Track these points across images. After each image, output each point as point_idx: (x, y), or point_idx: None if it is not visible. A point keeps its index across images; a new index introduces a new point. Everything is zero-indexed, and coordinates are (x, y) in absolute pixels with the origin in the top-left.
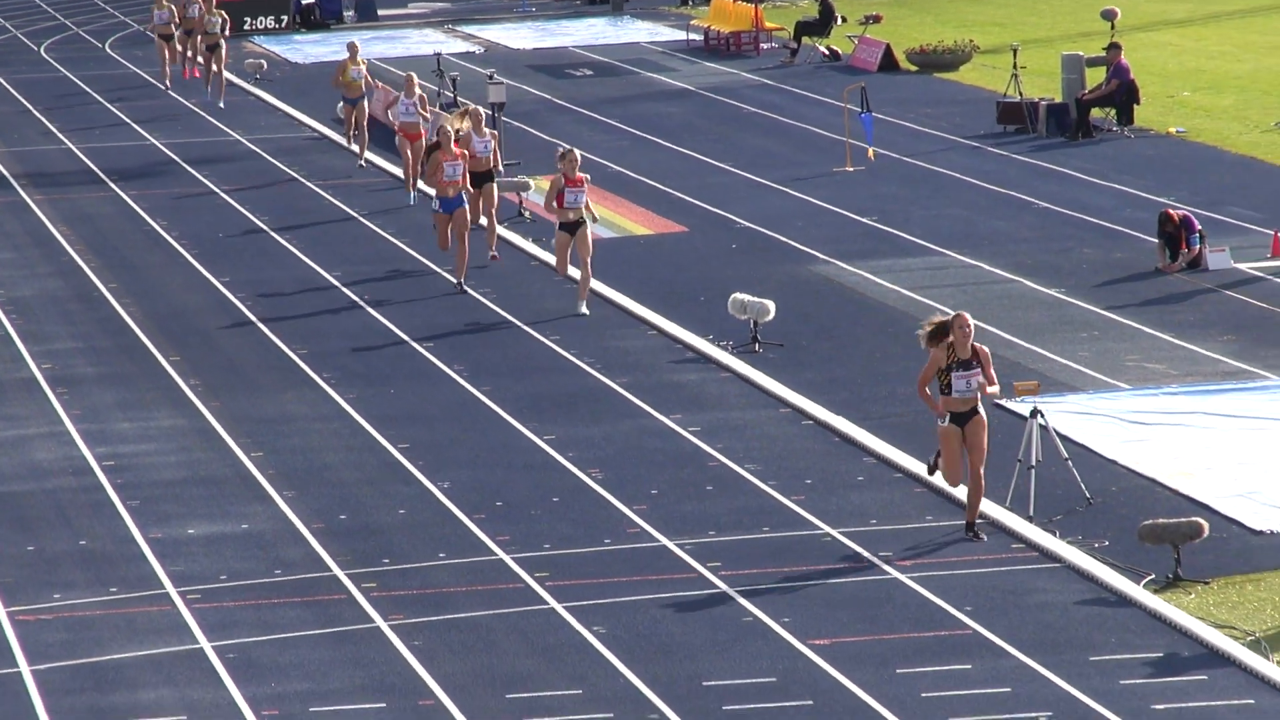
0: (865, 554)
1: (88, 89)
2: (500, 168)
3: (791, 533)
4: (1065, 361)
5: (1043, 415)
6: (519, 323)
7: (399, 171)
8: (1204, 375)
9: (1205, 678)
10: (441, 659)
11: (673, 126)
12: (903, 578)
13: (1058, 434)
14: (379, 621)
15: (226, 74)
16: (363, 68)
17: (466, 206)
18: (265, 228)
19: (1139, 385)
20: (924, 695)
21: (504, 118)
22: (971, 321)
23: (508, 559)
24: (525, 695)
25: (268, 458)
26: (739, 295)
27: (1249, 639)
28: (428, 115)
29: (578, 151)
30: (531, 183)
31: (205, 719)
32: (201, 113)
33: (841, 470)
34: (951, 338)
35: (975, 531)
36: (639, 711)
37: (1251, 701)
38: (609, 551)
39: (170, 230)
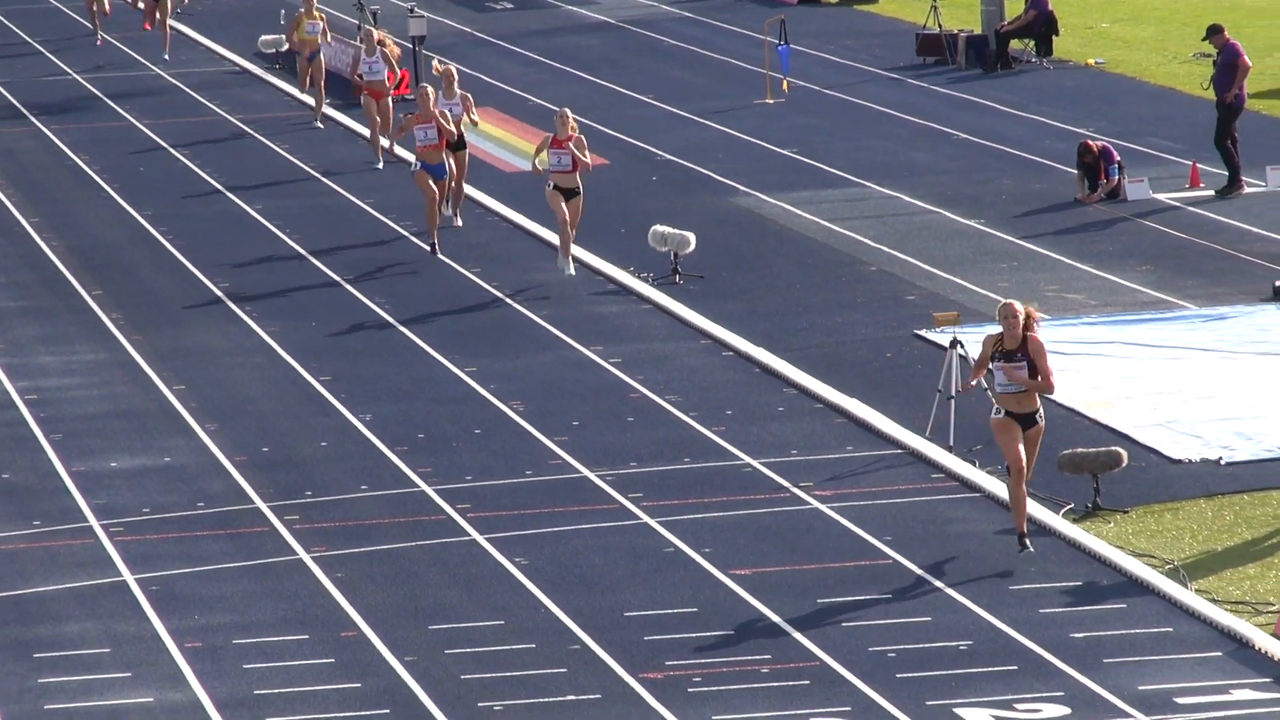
0: (786, 484)
1: (8, 23)
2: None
3: (712, 463)
4: (985, 292)
5: (962, 346)
6: (441, 255)
7: (363, 130)
8: (1122, 305)
9: (1124, 606)
10: (364, 591)
11: (593, 59)
12: (823, 508)
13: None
14: (301, 554)
15: (171, 22)
16: (320, 22)
17: (459, 176)
18: (187, 162)
19: (1058, 315)
20: (844, 625)
21: (424, 51)
22: (1022, 310)
23: (430, 491)
24: (447, 626)
25: (190, 391)
26: (659, 227)
27: (1167, 567)
28: (396, 73)
29: (570, 111)
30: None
31: (128, 651)
32: (122, 46)
33: (762, 401)
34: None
35: (1024, 545)
36: (561, 643)
37: (1170, 630)
38: (530, 483)
39: (91, 165)
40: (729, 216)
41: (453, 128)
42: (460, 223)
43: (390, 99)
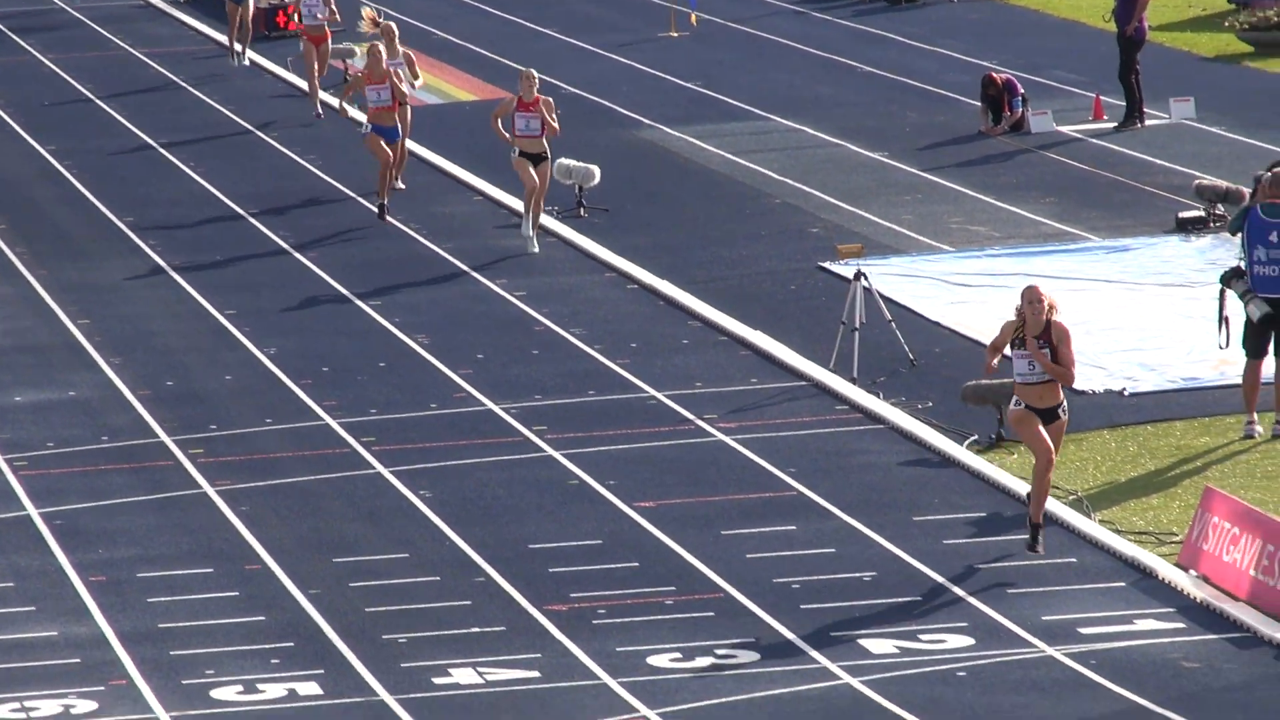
0: (690, 417)
1: None
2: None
3: (617, 396)
4: (888, 224)
5: (866, 277)
6: (346, 189)
7: (292, 77)
8: (1026, 237)
9: (1027, 537)
10: (268, 524)
11: None
12: (727, 440)
13: (881, 296)
14: (206, 487)
15: None
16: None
17: (403, 137)
18: (91, 96)
19: (962, 247)
20: (749, 557)
21: None
22: (1047, 296)
23: (334, 424)
24: (352, 559)
25: (94, 325)
26: (564, 160)
27: (1071, 498)
28: (336, 17)
29: (535, 71)
30: (357, 49)
31: (32, 586)
32: None
33: (666, 334)
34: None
35: (1036, 540)
36: (465, 575)
37: (1074, 560)
38: (435, 416)
39: None
40: (634, 150)
41: (405, 88)
42: (402, 185)
43: (330, 43)
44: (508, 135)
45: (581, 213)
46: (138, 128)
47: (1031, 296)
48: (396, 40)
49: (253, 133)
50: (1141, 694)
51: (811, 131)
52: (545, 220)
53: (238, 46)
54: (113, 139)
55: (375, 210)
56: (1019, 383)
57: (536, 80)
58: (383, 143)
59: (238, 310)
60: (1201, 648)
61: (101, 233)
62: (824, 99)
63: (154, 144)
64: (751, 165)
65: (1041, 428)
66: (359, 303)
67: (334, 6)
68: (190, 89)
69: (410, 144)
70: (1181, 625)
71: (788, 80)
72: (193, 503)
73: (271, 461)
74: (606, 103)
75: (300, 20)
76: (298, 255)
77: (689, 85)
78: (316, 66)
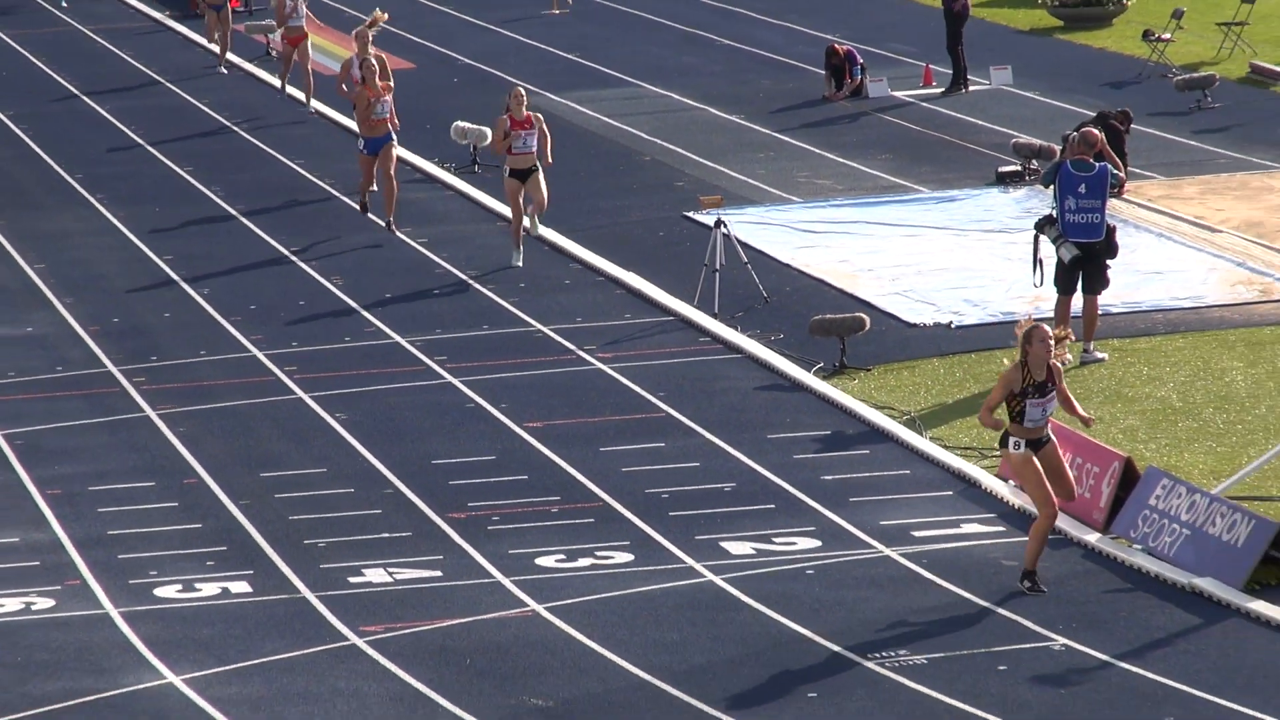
0: (572, 348)
1: None
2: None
3: (508, 330)
4: (745, 178)
5: (725, 225)
6: (268, 148)
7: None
8: (865, 189)
9: (867, 452)
10: (203, 443)
11: None
12: (605, 368)
13: (739, 241)
14: (149, 411)
15: None
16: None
17: (394, 141)
18: (43, 67)
19: (809, 199)
20: (624, 470)
21: None
22: (1051, 335)
23: (260, 355)
24: (277, 474)
25: (49, 269)
26: (460, 123)
27: (905, 418)
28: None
29: (523, 88)
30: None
31: None
32: None
33: (551, 275)
34: (1027, 355)
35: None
36: (376, 486)
37: (907, 472)
38: (349, 348)
39: None
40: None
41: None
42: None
43: (309, 43)
44: (499, 148)
45: (476, 169)
46: (85, 95)
47: (1040, 336)
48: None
49: (191, 102)
50: (967, 589)
51: (677, 97)
52: (445, 175)
53: (218, 49)
54: (63, 105)
55: (358, 207)
56: (1029, 427)
57: (525, 98)
58: (370, 160)
59: (175, 255)
60: (1019, 548)
61: (54, 187)
62: (688, 68)
63: (100, 109)
64: (624, 127)
65: (1044, 473)
66: (281, 249)
67: (307, 9)
68: (130, 60)
69: (324, 108)
70: (1001, 529)
71: (656, 52)
72: (137, 425)
73: (206, 388)
74: (497, 72)
75: (279, 20)
76: (227, 207)
77: (569, 56)
78: (297, 61)
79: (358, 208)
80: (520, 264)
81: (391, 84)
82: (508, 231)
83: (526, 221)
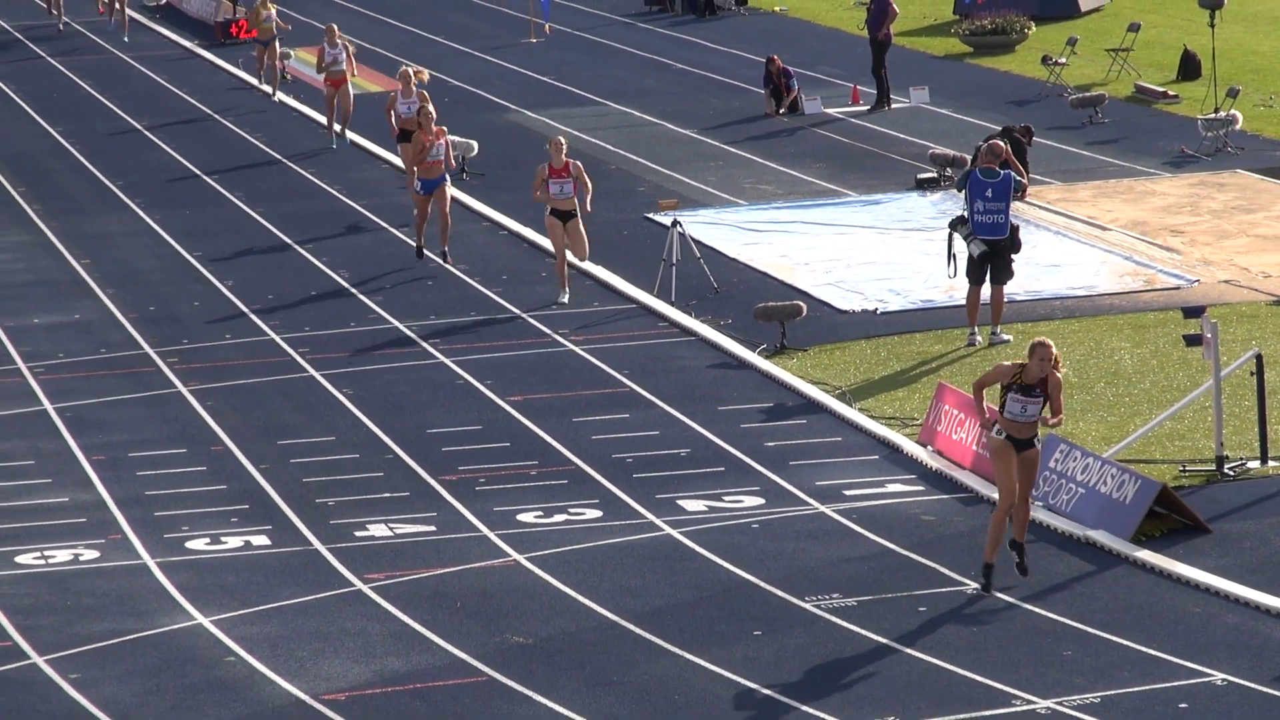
0: (548, 331)
1: None
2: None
3: (492, 316)
4: (698, 184)
5: (681, 224)
6: (281, 158)
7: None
8: (802, 194)
9: (805, 422)
10: (227, 415)
11: (396, 7)
12: (576, 349)
13: (692, 239)
14: (180, 388)
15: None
16: (273, 11)
17: (448, 181)
18: (90, 90)
19: (754, 201)
20: (593, 438)
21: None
22: (1054, 352)
23: (277, 338)
24: (292, 442)
25: (94, 265)
26: (451, 137)
27: (837, 392)
28: (353, 64)
29: (563, 138)
30: (292, 53)
31: (49, 464)
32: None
33: (529, 269)
34: (1027, 363)
35: (1022, 559)
36: (379, 453)
37: (839, 439)
38: (355, 332)
39: (16, 92)
40: (503, 129)
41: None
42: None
43: (350, 85)
44: (539, 193)
45: (465, 177)
46: (124, 113)
47: (1044, 354)
48: (337, 34)
49: (214, 118)
50: (891, 540)
51: (638, 114)
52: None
53: (266, 88)
54: (106, 123)
55: (414, 248)
56: (1008, 419)
57: (565, 145)
58: (426, 197)
59: (203, 253)
60: (936, 505)
61: (98, 194)
62: (648, 89)
63: (138, 125)
64: (593, 139)
65: (1015, 467)
66: (297, 248)
67: (351, 54)
68: (164, 83)
69: (318, 115)
70: (921, 488)
71: (621, 75)
72: (170, 400)
73: (230, 367)
74: (482, 93)
75: (320, 66)
76: (248, 210)
77: (544, 79)
78: (338, 104)
79: (414, 249)
80: (566, 300)
81: (445, 129)
82: (489, 229)
83: (571, 257)
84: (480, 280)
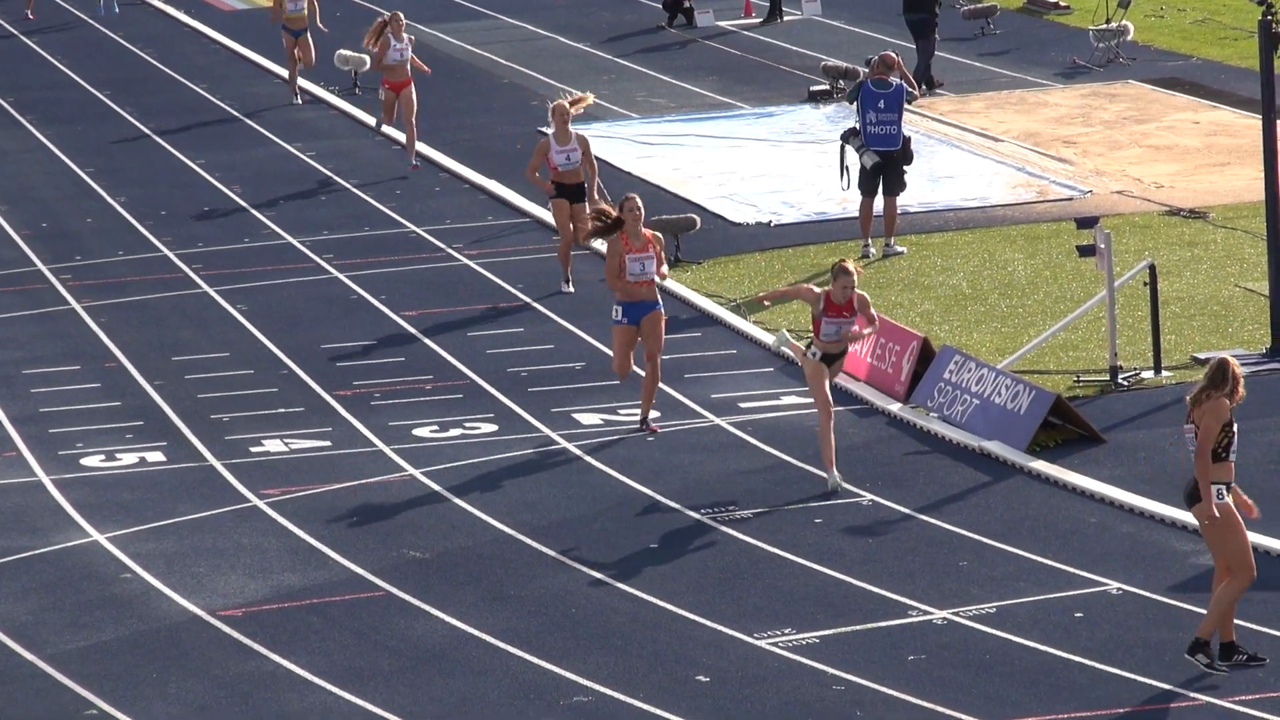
0: (442, 246)
1: None
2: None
3: (386, 230)
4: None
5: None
6: (175, 74)
7: (335, 99)
8: (695, 106)
9: (700, 335)
10: (121, 331)
11: None
12: (471, 264)
13: None
14: (74, 304)
15: None
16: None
17: (662, 311)
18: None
19: (647, 115)
20: (488, 352)
21: None
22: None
23: (170, 255)
24: (186, 358)
25: None
26: (342, 51)
27: (730, 304)
28: (417, 61)
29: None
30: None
31: None
32: None
33: (424, 183)
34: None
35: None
36: (273, 369)
37: (735, 351)
38: (248, 248)
39: None
40: None
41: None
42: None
43: (413, 89)
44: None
45: (356, 91)
46: (15, 30)
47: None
48: (403, 28)
49: (111, 37)
50: (787, 452)
51: (530, 28)
52: (328, 96)
53: (299, 81)
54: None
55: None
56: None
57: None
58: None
59: (96, 168)
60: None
61: None
62: (539, 3)
63: (30, 43)
64: (485, 54)
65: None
66: (189, 162)
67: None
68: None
69: (225, 39)
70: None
71: None
72: (63, 316)
73: (123, 284)
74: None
75: (381, 62)
76: (141, 126)
77: None
78: (400, 111)
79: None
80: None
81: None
82: (381, 143)
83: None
84: (373, 194)
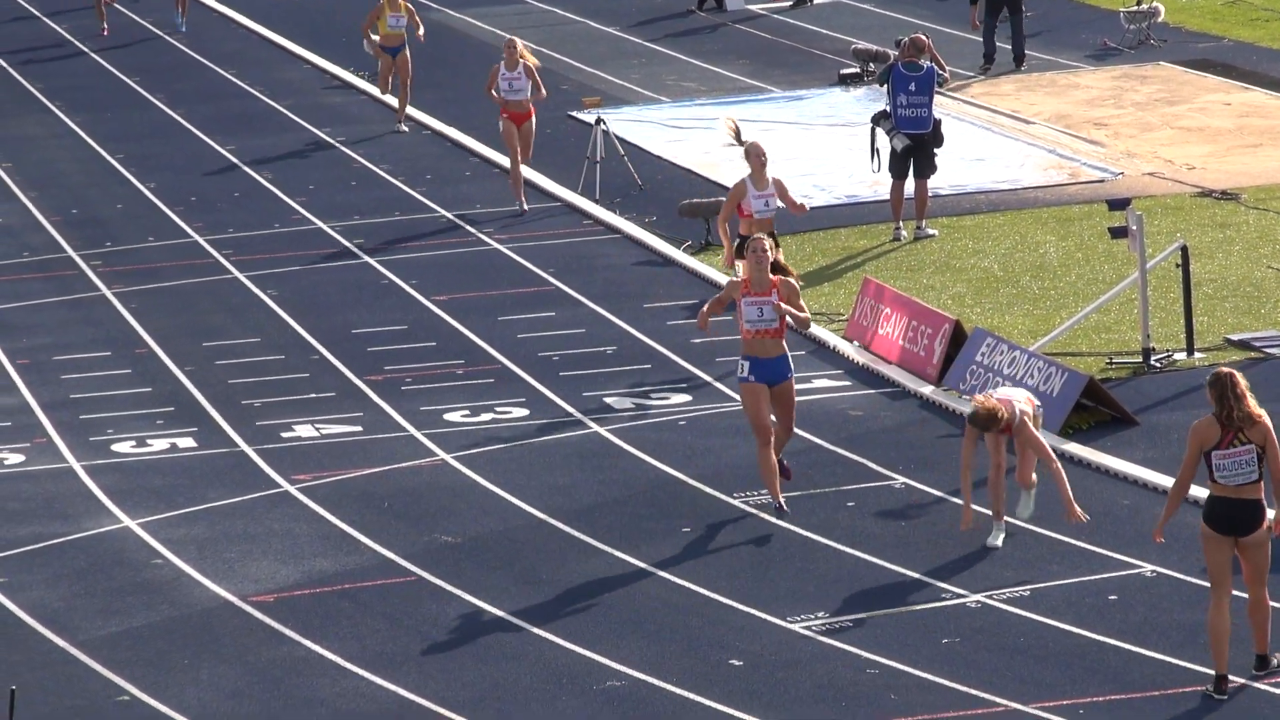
0: (473, 230)
1: None
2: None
3: (416, 215)
4: (621, 82)
5: (604, 122)
6: (205, 60)
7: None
8: (725, 90)
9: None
10: (152, 317)
11: None
12: (502, 248)
13: (616, 137)
14: (104, 290)
15: None
16: (403, 16)
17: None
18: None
19: (677, 99)
20: (519, 336)
21: None
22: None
23: (201, 240)
24: (218, 343)
25: (16, 168)
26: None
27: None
28: (542, 90)
29: (519, 40)
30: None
31: None
32: None
33: (454, 168)
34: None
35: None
36: (304, 354)
37: None
38: (278, 233)
39: None
40: (426, 27)
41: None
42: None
43: (533, 122)
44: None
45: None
46: (45, 17)
47: (758, 249)
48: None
49: (140, 23)
50: (819, 436)
51: (561, 12)
52: (357, 81)
53: (391, 101)
54: (28, 26)
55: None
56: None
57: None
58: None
59: (125, 155)
60: (864, 400)
61: (19, 97)
62: None
63: (58, 29)
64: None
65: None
66: (218, 148)
67: (539, 78)
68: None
69: (247, 21)
70: (848, 383)
71: None
72: (94, 302)
73: (153, 270)
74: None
75: (499, 95)
76: (170, 112)
77: None
78: (519, 149)
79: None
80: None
81: (766, 252)
82: (413, 128)
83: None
84: (404, 180)
